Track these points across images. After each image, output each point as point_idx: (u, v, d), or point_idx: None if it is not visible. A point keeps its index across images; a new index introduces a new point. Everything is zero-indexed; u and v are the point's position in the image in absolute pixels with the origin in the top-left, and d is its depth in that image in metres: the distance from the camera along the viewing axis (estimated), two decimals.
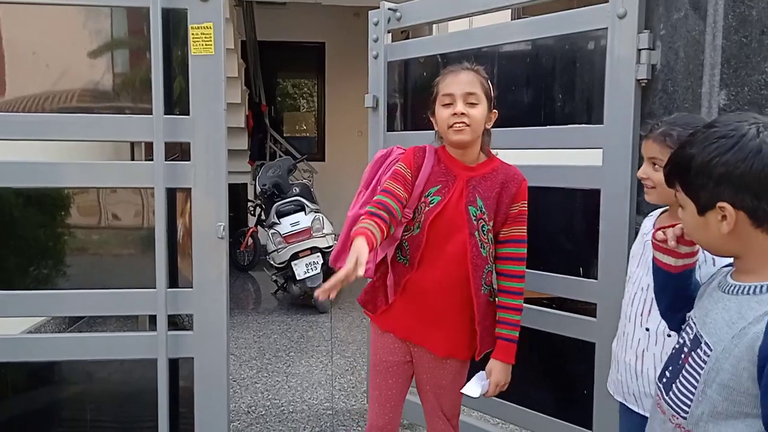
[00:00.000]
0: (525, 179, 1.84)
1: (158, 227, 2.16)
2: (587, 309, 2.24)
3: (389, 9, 2.79)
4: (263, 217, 5.74)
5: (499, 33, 2.49)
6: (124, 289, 2.24)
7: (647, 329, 1.58)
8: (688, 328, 1.15)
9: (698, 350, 1.07)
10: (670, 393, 1.11)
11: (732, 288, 1.07)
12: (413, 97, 2.96)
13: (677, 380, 1.10)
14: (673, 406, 1.10)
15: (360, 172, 2.23)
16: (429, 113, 1.86)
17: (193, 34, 2.12)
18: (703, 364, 1.05)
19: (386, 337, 1.90)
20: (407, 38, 3.66)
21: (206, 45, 2.11)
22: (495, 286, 1.87)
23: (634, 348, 1.62)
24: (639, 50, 2.02)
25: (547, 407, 2.41)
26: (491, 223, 1.80)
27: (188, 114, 2.19)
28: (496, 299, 1.87)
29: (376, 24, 2.85)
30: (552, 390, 2.48)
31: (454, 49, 2.69)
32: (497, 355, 1.84)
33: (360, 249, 1.56)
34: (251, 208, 6.36)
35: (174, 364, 2.35)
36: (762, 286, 1.02)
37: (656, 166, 1.56)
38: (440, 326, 1.82)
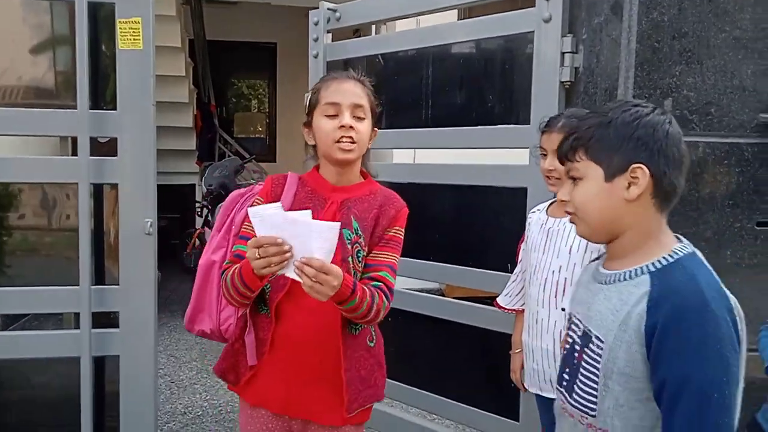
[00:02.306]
0: (405, 206, 1.60)
1: (82, 223, 2.12)
2: None
3: (329, 9, 2.81)
4: (210, 218, 5.66)
5: (435, 35, 2.53)
6: (46, 287, 2.19)
7: (563, 309, 1.65)
8: (573, 326, 1.15)
9: (590, 345, 1.07)
10: (574, 395, 1.10)
11: (608, 278, 1.09)
12: None
13: (577, 380, 1.10)
14: (580, 407, 1.09)
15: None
16: (304, 123, 1.56)
17: (120, 28, 2.09)
18: (598, 358, 1.05)
19: (257, 414, 1.54)
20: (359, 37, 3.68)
21: (134, 40, 2.08)
22: (374, 331, 1.61)
23: (551, 332, 1.69)
24: (563, 53, 2.09)
25: (479, 401, 2.45)
26: (366, 249, 1.52)
27: (115, 109, 2.16)
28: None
29: (316, 24, 2.86)
30: (483, 384, 2.53)
31: (392, 50, 2.73)
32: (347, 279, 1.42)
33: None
34: (198, 209, 6.27)
35: (100, 364, 2.31)
36: (636, 270, 1.05)
37: None
38: (323, 385, 1.48)
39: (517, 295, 1.95)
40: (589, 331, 1.08)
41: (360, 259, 1.51)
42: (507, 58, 2.37)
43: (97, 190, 2.30)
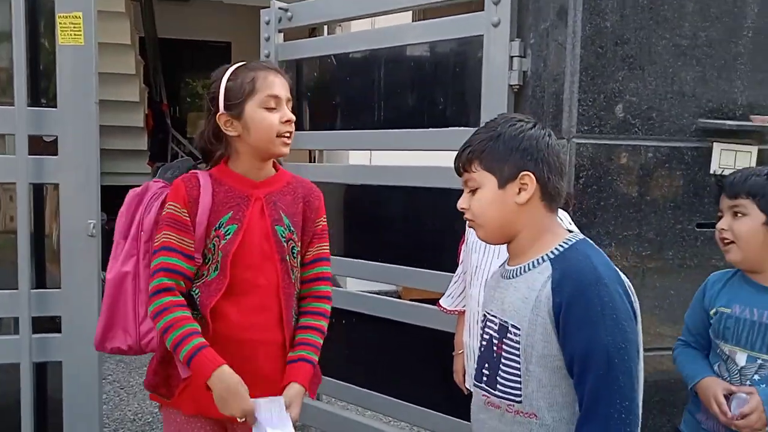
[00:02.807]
0: (321, 193, 1.60)
1: (20, 224, 2.05)
2: None
3: (280, 8, 2.79)
4: None
5: (388, 36, 2.54)
6: None
7: None
8: (489, 323, 1.23)
9: (508, 335, 1.15)
10: (498, 386, 1.17)
11: (514, 272, 1.19)
12: (307, 97, 2.96)
13: (499, 372, 1.16)
14: (505, 396, 1.15)
15: None
16: (221, 112, 1.46)
17: (60, 23, 2.02)
18: (517, 345, 1.13)
19: (194, 423, 1.49)
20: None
21: (75, 35, 2.02)
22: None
23: None
24: (511, 57, 2.11)
25: (434, 402, 2.46)
26: (300, 244, 1.52)
27: (56, 107, 2.09)
28: (299, 321, 1.56)
29: (267, 23, 2.83)
30: (438, 385, 2.54)
31: (344, 50, 2.72)
32: (299, 377, 1.48)
33: (240, 392, 1.34)
34: None
35: (42, 370, 2.23)
36: (538, 259, 1.16)
37: None
38: (255, 378, 1.43)
39: (459, 296, 1.96)
40: (505, 322, 1.17)
41: (295, 255, 1.51)
42: (458, 60, 2.38)
43: (38, 191, 2.22)
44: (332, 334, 2.81)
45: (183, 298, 1.42)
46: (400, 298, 3.92)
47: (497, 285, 1.25)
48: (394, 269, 2.53)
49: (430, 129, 2.39)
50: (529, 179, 1.15)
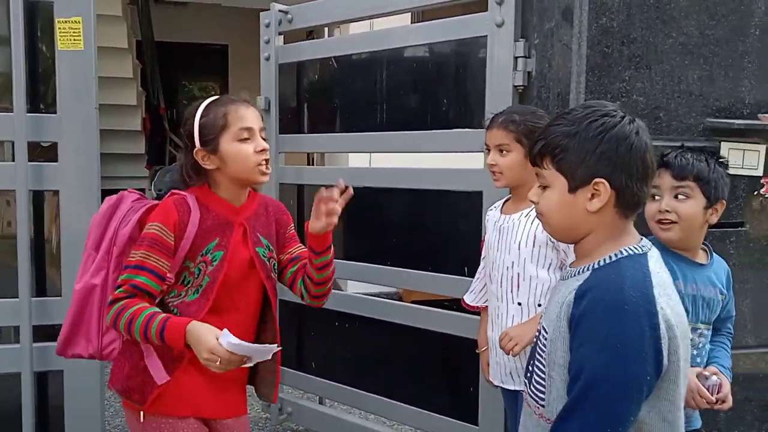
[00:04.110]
0: (284, 206, 1.74)
1: (20, 232, 2.02)
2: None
3: (280, 11, 2.77)
4: None
5: (389, 38, 2.51)
6: None
7: (519, 303, 1.71)
8: (541, 320, 1.18)
9: (541, 338, 1.11)
10: (531, 386, 1.14)
11: (567, 274, 1.13)
12: (308, 99, 2.94)
13: (534, 372, 1.13)
14: (534, 397, 1.12)
15: None
16: (198, 148, 1.51)
17: (60, 28, 2.00)
18: (544, 349, 1.09)
19: (172, 426, 1.53)
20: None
21: (75, 40, 2.00)
22: None
23: (509, 326, 1.72)
24: (516, 58, 2.09)
25: (438, 406, 2.44)
26: (277, 257, 1.66)
27: (55, 112, 2.06)
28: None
29: (267, 26, 2.81)
30: (441, 388, 2.52)
31: (345, 52, 2.70)
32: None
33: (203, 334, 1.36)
34: None
35: (44, 380, 2.20)
36: (585, 267, 1.08)
37: (503, 152, 1.71)
38: (236, 386, 1.61)
39: (480, 291, 1.97)
40: (542, 324, 1.13)
41: (275, 269, 1.64)
42: (461, 61, 2.37)
43: (38, 197, 2.20)
44: (334, 337, 2.82)
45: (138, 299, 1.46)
46: (401, 300, 3.90)
47: (556, 284, 1.21)
48: (396, 272, 2.51)
49: (434, 131, 2.38)
50: (603, 187, 1.03)
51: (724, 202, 1.53)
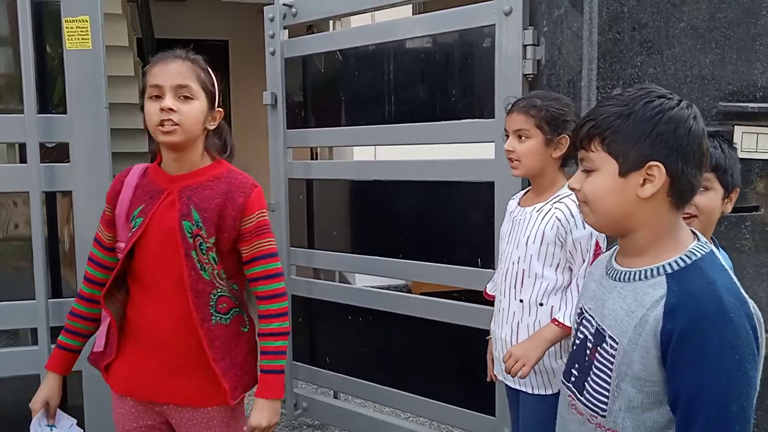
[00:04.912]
0: (257, 186, 1.55)
1: (35, 234, 2.02)
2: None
3: (284, 5, 2.75)
4: None
5: (395, 29, 2.50)
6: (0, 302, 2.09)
7: (521, 300, 1.66)
8: (585, 322, 1.12)
9: (604, 345, 1.04)
10: (585, 393, 1.07)
11: (622, 275, 1.05)
12: (314, 93, 2.93)
13: (589, 378, 1.07)
14: (591, 405, 1.06)
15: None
16: (140, 108, 1.51)
17: (67, 27, 1.99)
18: (612, 359, 1.02)
19: (124, 402, 1.57)
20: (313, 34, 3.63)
21: (83, 39, 1.99)
22: (246, 316, 1.61)
23: (510, 322, 1.68)
24: (524, 46, 2.08)
25: (454, 397, 2.45)
26: (212, 240, 1.48)
27: (65, 113, 2.05)
28: (259, 326, 1.57)
29: (271, 20, 2.80)
30: (457, 380, 2.52)
31: (351, 45, 2.69)
32: (259, 392, 1.51)
33: (49, 392, 1.57)
34: None
35: (62, 381, 2.20)
36: (652, 270, 1.01)
37: (522, 138, 1.64)
38: (181, 371, 1.50)
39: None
40: (603, 330, 1.05)
41: (204, 251, 1.48)
42: (469, 51, 2.35)
43: (49, 198, 2.19)
44: (346, 331, 2.82)
45: (90, 291, 1.57)
46: (409, 292, 3.90)
47: (600, 281, 1.11)
48: (406, 264, 2.51)
49: (443, 122, 2.37)
50: (658, 171, 0.97)
51: (738, 189, 1.47)
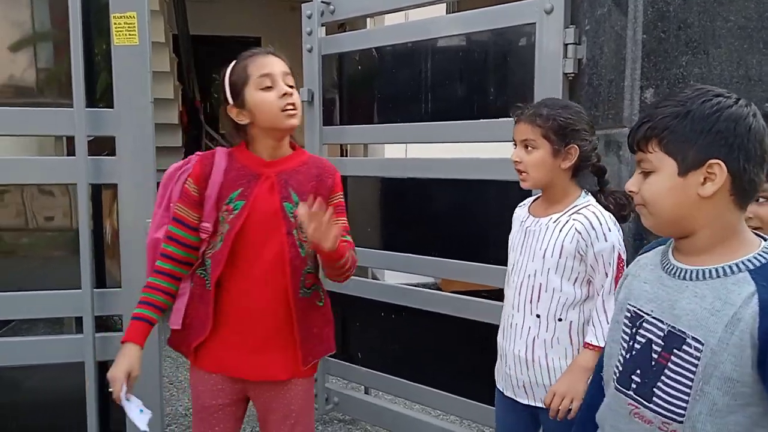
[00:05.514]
0: (337, 171, 1.68)
1: (82, 225, 2.07)
2: None
3: (322, 2, 2.77)
4: None
5: (432, 27, 2.51)
6: (47, 291, 2.14)
7: (538, 315, 1.58)
8: (646, 324, 1.07)
9: (683, 347, 0.99)
10: (655, 399, 1.02)
11: (693, 273, 1.02)
12: (350, 90, 2.95)
13: (659, 383, 1.02)
14: (663, 412, 1.01)
15: None
16: (230, 105, 1.56)
17: (115, 23, 2.03)
18: (695, 361, 0.97)
19: (211, 379, 1.63)
20: (344, 32, 3.65)
21: (130, 35, 2.03)
22: (322, 291, 1.69)
23: (524, 338, 1.60)
24: (566, 45, 2.07)
25: (483, 396, 2.44)
26: None
27: (112, 107, 2.11)
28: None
29: (309, 17, 2.82)
30: (487, 378, 2.52)
31: (388, 43, 2.70)
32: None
33: (131, 362, 1.53)
34: None
35: (105, 369, 2.26)
36: (731, 267, 0.98)
37: (529, 148, 1.57)
38: (272, 347, 1.59)
39: None
40: (681, 332, 1.00)
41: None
42: (507, 50, 2.35)
43: (94, 190, 2.25)
44: (378, 327, 2.84)
45: (170, 267, 1.59)
46: (439, 290, 3.90)
47: (660, 281, 1.06)
48: (436, 262, 2.52)
49: (481, 120, 2.37)
50: (719, 169, 0.95)
51: None
